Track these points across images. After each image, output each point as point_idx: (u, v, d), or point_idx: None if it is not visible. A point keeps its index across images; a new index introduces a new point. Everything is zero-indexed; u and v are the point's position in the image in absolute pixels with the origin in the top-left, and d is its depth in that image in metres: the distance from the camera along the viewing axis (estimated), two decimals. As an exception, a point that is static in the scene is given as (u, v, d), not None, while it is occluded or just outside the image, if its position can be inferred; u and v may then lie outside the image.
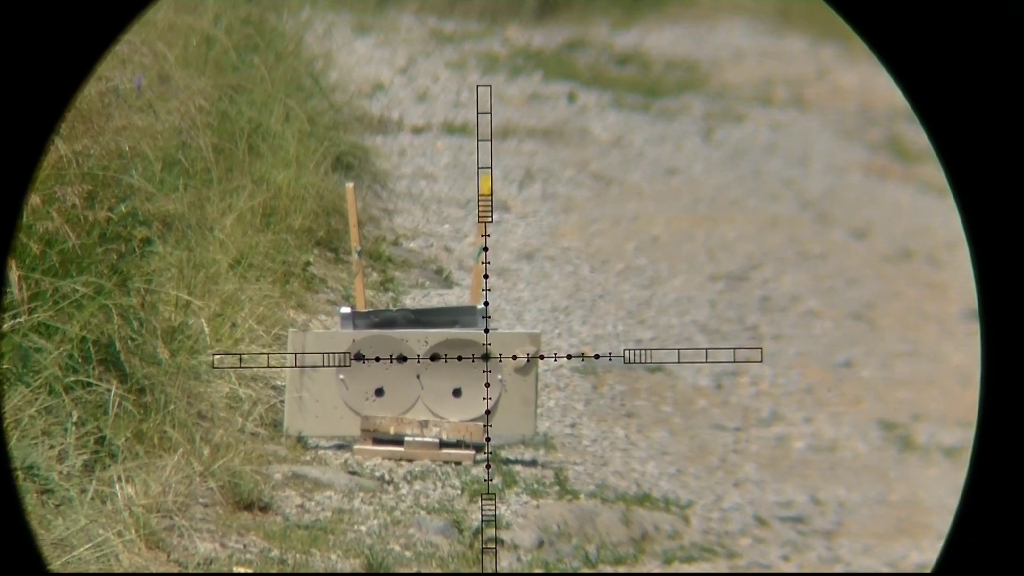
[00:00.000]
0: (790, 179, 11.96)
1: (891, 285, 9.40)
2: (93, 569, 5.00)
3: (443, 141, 12.33)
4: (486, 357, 6.44)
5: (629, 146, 12.79)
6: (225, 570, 5.42)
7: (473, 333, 6.56)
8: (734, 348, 6.08)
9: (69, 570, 4.95)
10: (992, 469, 3.43)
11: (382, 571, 5.67)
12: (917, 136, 12.23)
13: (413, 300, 8.44)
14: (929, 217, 10.67)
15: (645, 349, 5.56)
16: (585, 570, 5.90)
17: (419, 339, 6.57)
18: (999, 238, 3.40)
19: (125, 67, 7.55)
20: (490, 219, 5.86)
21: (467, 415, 6.56)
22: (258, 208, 8.15)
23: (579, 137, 12.93)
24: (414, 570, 5.71)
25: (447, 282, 8.90)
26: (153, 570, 5.23)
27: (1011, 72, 3.35)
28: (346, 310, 6.73)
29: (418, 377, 6.60)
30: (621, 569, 5.94)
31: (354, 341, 6.54)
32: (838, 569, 6.19)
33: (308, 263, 8.23)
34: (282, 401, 6.59)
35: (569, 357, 7.70)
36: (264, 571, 5.49)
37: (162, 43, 8.92)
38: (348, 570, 5.61)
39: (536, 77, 14.91)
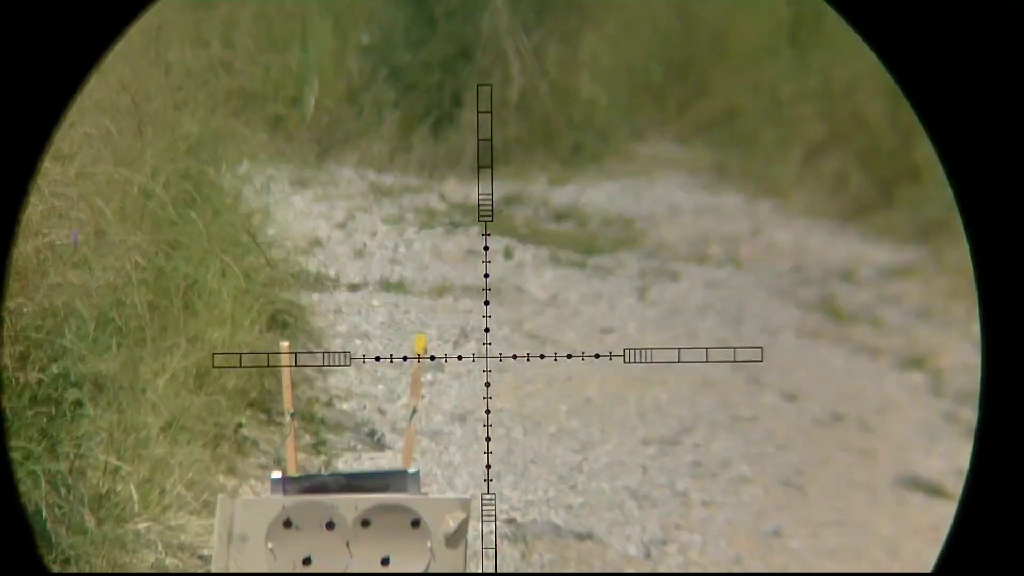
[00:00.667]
0: (723, 339, 12.03)
1: (821, 450, 9.45)
2: None
3: (379, 298, 12.37)
4: (416, 523, 6.42)
5: (564, 304, 12.85)
6: None
7: (404, 498, 6.53)
8: (734, 348, 6.05)
9: None
10: (992, 470, 3.44)
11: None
12: (850, 296, 12.37)
13: (345, 464, 8.42)
14: (860, 380, 10.75)
15: (644, 349, 5.49)
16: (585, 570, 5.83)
17: (350, 505, 6.53)
18: (1001, 242, 3.41)
19: (62, 222, 7.57)
20: (490, 218, 5.79)
21: (395, 584, 6.52)
22: (192, 368, 8.14)
23: (515, 294, 12.99)
24: None
25: (379, 445, 8.89)
26: None
27: (1011, 73, 3.38)
28: (277, 475, 6.69)
29: (347, 544, 6.56)
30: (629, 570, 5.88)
31: (284, 508, 6.50)
32: None
33: (240, 425, 8.20)
34: (209, 572, 6.54)
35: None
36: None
37: (100, 198, 8.94)
38: None
39: (473, 232, 14.99)
